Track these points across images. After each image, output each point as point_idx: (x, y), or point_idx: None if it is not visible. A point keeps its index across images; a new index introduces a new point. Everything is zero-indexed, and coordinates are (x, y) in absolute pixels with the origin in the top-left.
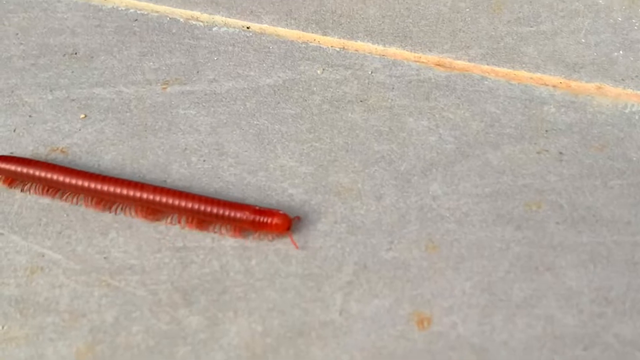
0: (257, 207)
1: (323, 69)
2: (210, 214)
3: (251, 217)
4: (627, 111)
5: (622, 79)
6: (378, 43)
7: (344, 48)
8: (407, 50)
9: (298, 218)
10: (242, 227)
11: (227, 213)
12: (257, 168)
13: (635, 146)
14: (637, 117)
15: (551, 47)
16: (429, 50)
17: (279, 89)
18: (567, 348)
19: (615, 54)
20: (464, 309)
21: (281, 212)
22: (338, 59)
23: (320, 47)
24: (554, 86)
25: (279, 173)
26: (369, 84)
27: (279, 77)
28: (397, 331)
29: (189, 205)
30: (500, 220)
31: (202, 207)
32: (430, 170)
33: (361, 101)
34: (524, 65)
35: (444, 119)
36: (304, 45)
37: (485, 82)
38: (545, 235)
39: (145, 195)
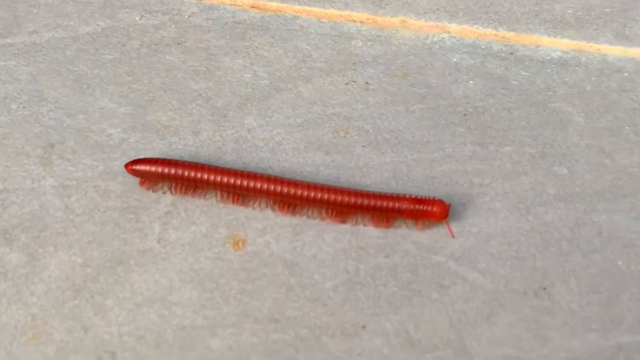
0: (413, 196)
1: (141, 16)
2: (368, 207)
3: (411, 206)
4: (428, 41)
5: (424, 12)
6: None
7: None
8: None
9: (450, 205)
10: (396, 217)
11: (385, 204)
12: (77, 111)
13: (435, 73)
14: (437, 47)
15: None
16: None
17: (98, 37)
18: (371, 257)
19: None
20: (277, 229)
21: (437, 199)
22: (156, 6)
23: None
24: (361, 22)
25: (98, 115)
26: (186, 27)
27: (98, 25)
28: (214, 253)
29: (345, 199)
30: (311, 147)
31: (360, 201)
32: (246, 105)
33: (178, 44)
34: (333, 4)
35: (258, 57)
36: None
37: (298, 21)
38: (352, 158)
39: (298, 192)
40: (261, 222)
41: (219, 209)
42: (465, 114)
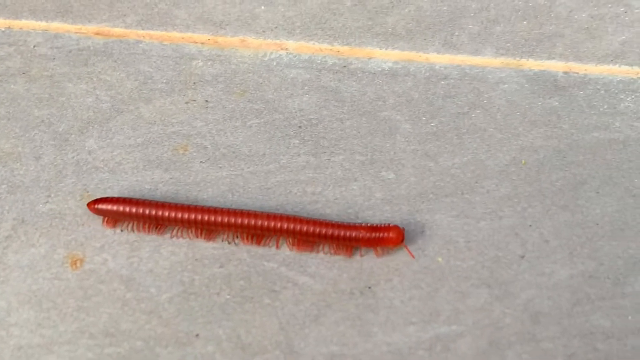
0: (369, 225)
1: None
2: (325, 236)
3: (367, 234)
4: (266, 59)
5: (263, 31)
6: (41, 20)
7: (9, 27)
8: (68, 24)
9: (403, 229)
10: (354, 245)
11: (342, 233)
12: None
13: (272, 88)
14: (275, 64)
15: (200, 9)
16: (89, 22)
17: None
18: (206, 267)
19: (257, 9)
20: (115, 247)
21: (392, 225)
22: (2, 38)
23: None
24: (202, 43)
25: None
26: (31, 57)
27: None
28: (52, 274)
29: (304, 228)
30: (150, 165)
31: (317, 230)
32: (87, 128)
33: (23, 73)
34: (175, 27)
35: (100, 81)
36: None
37: (140, 45)
38: (191, 174)
39: (259, 223)
40: (99, 241)
41: (58, 230)
42: (300, 126)
